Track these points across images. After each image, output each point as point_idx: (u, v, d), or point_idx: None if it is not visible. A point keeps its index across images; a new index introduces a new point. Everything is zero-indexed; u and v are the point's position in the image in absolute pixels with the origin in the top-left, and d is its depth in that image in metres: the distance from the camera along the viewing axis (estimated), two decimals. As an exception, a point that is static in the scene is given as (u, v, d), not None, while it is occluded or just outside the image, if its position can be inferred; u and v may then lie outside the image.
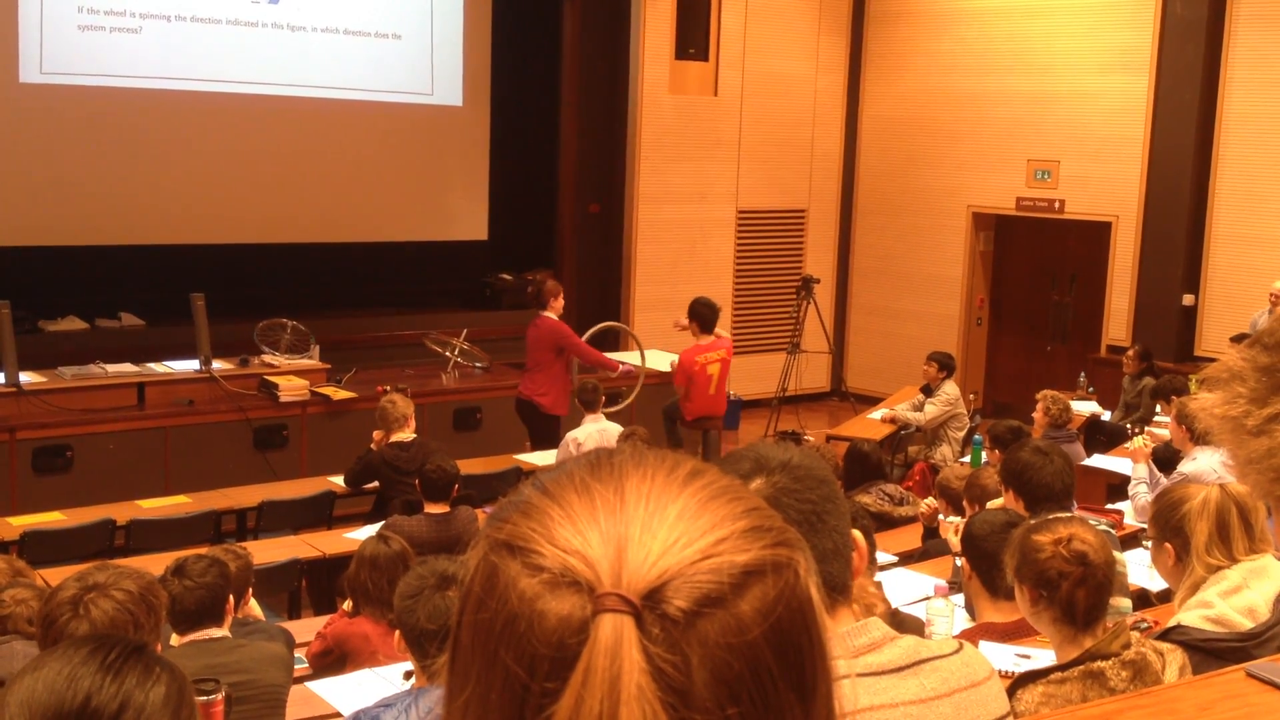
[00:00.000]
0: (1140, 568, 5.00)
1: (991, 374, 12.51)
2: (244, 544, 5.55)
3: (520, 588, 0.74)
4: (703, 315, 8.63)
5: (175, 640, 3.71)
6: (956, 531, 4.49)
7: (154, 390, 8.23)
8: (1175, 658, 2.93)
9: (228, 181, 10.22)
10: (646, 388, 9.54)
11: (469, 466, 7.15)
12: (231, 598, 3.83)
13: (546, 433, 8.41)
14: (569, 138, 11.71)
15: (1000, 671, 2.25)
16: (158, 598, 2.85)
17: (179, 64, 9.93)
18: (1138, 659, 2.80)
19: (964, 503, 5.27)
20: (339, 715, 3.95)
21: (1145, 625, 3.85)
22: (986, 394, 12.12)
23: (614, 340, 10.81)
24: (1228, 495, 3.44)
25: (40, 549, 6.06)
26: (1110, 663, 2.77)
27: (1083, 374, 10.39)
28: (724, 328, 9.51)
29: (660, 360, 9.62)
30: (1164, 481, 5.92)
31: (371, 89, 10.80)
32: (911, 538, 6.07)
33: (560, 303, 8.63)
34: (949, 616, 4.07)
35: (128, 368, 8.34)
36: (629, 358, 9.67)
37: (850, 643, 1.58)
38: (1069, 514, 4.07)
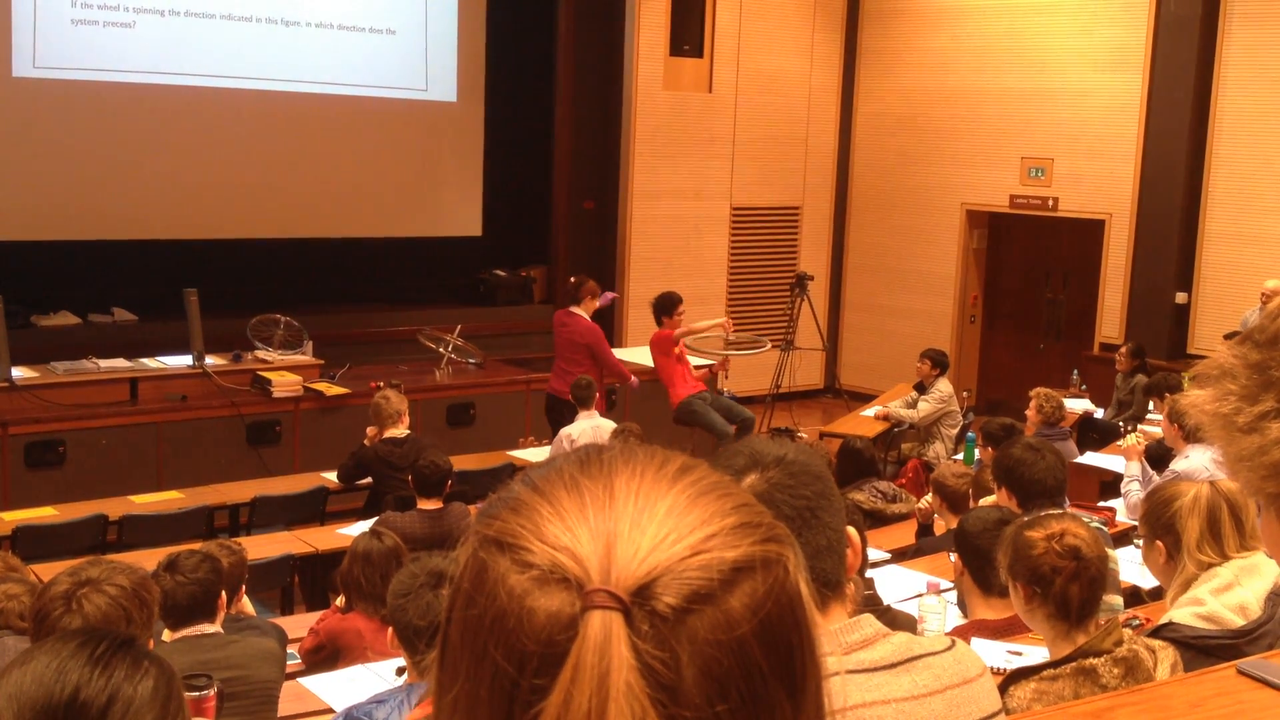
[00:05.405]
0: (1132, 565, 5.00)
1: (985, 371, 12.52)
2: (237, 540, 5.54)
3: (509, 584, 0.74)
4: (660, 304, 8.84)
5: (167, 636, 3.70)
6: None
7: (147, 385, 8.21)
8: (1167, 655, 2.93)
9: (221, 176, 10.19)
10: (643, 385, 9.54)
11: (462, 462, 7.14)
12: (225, 594, 3.82)
13: None
14: (563, 134, 11.69)
15: (992, 668, 2.25)
16: (150, 593, 2.84)
17: (172, 59, 9.91)
18: (1129, 656, 2.80)
19: (970, 502, 5.26)
20: (331, 711, 3.94)
21: (1137, 623, 3.85)
22: (980, 391, 12.12)
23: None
24: (1219, 492, 3.43)
25: (32, 544, 6.05)
26: (1102, 660, 2.78)
27: (1076, 371, 10.40)
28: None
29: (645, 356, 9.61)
30: (1156, 479, 5.92)
31: (366, 84, 10.78)
32: (905, 535, 6.08)
33: (595, 304, 8.62)
34: (941, 613, 4.07)
35: (120, 363, 8.32)
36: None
37: (842, 639, 1.58)
38: (1061, 510, 4.07)
